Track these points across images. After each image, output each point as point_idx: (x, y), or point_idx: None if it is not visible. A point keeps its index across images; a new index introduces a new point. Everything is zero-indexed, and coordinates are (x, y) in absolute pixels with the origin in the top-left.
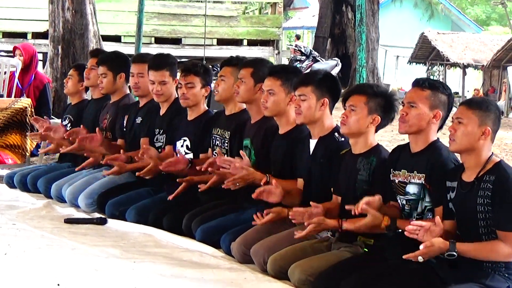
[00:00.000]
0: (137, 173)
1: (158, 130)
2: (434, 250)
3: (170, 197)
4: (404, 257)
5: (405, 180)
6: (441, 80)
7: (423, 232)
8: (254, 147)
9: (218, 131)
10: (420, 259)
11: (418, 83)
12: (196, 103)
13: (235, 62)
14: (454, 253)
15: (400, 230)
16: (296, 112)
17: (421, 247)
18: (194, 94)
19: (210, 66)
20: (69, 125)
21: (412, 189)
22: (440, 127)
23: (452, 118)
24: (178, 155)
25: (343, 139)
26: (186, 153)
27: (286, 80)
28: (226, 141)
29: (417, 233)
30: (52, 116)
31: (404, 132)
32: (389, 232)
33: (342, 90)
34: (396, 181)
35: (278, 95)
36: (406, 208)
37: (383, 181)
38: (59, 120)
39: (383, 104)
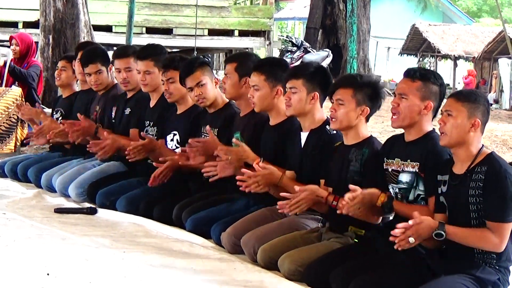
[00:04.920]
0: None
1: (148, 122)
2: (423, 228)
3: (149, 183)
4: (393, 239)
5: (398, 168)
6: None
7: (411, 231)
8: (244, 140)
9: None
10: (411, 240)
11: (409, 74)
12: (180, 97)
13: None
14: (443, 233)
15: (390, 219)
16: (286, 104)
17: (410, 222)
18: (176, 88)
19: (202, 56)
20: (60, 118)
21: (405, 177)
22: (434, 117)
23: (441, 111)
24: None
25: (334, 131)
26: (176, 147)
27: (271, 74)
28: None
29: (405, 234)
30: (42, 106)
31: (397, 127)
32: (385, 212)
33: None
34: (390, 169)
35: (262, 90)
36: (398, 196)
37: (375, 172)
38: (49, 110)
39: (370, 93)
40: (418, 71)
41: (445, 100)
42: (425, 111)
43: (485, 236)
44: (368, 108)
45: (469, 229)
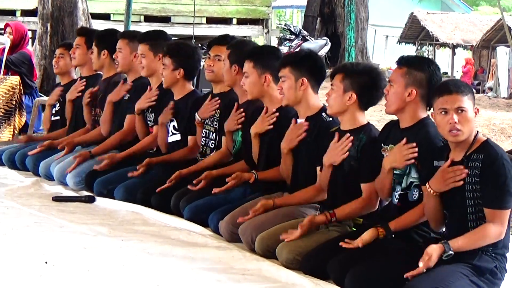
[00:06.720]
0: (129, 175)
1: (147, 108)
2: (433, 260)
3: (158, 190)
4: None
5: None
6: None
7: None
8: (243, 127)
9: None
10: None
11: (398, 61)
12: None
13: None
14: (451, 252)
15: (387, 204)
16: (279, 94)
17: (420, 264)
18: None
19: (199, 45)
20: (57, 105)
21: None
22: (427, 105)
23: (445, 109)
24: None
25: (330, 119)
26: (173, 133)
27: (258, 61)
28: (216, 120)
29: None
30: (40, 94)
31: (388, 112)
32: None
33: (330, 70)
34: (385, 155)
35: (251, 77)
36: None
37: (371, 157)
38: (46, 98)
39: (362, 82)
40: (405, 58)
41: (439, 99)
42: (408, 98)
43: (487, 232)
44: (356, 95)
45: (471, 233)
